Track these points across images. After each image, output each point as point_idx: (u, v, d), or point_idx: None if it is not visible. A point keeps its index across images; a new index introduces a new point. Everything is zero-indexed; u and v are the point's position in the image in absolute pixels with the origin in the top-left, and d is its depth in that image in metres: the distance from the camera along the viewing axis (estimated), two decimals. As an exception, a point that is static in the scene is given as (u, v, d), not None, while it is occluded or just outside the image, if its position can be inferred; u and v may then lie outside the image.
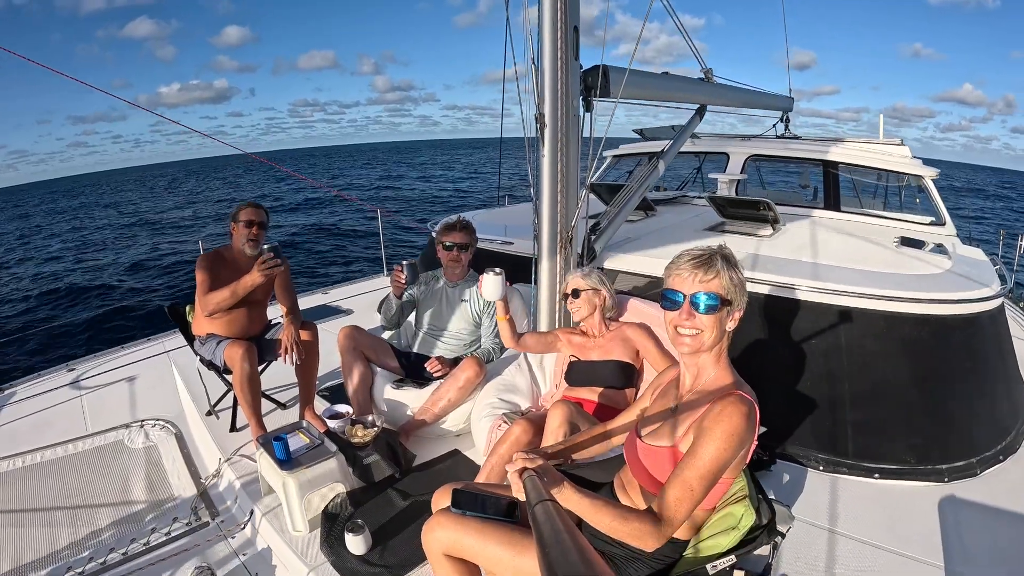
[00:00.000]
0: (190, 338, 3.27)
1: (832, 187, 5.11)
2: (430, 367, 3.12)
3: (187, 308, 3.33)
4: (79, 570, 2.32)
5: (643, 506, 1.57)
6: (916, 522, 2.40)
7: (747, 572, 2.05)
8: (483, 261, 3.45)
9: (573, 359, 2.82)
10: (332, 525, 2.41)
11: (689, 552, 1.62)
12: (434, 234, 4.92)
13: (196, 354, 3.21)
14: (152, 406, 3.59)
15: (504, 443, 2.41)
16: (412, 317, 3.49)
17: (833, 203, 5.00)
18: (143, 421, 3.42)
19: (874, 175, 5.30)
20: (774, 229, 4.03)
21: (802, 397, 2.88)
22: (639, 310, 2.96)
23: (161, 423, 3.41)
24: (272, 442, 2.48)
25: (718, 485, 1.46)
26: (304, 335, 3.05)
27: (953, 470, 2.68)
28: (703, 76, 4.62)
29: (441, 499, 1.86)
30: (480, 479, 2.40)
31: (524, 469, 1.31)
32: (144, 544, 2.48)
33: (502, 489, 1.78)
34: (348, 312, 5.15)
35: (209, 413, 3.30)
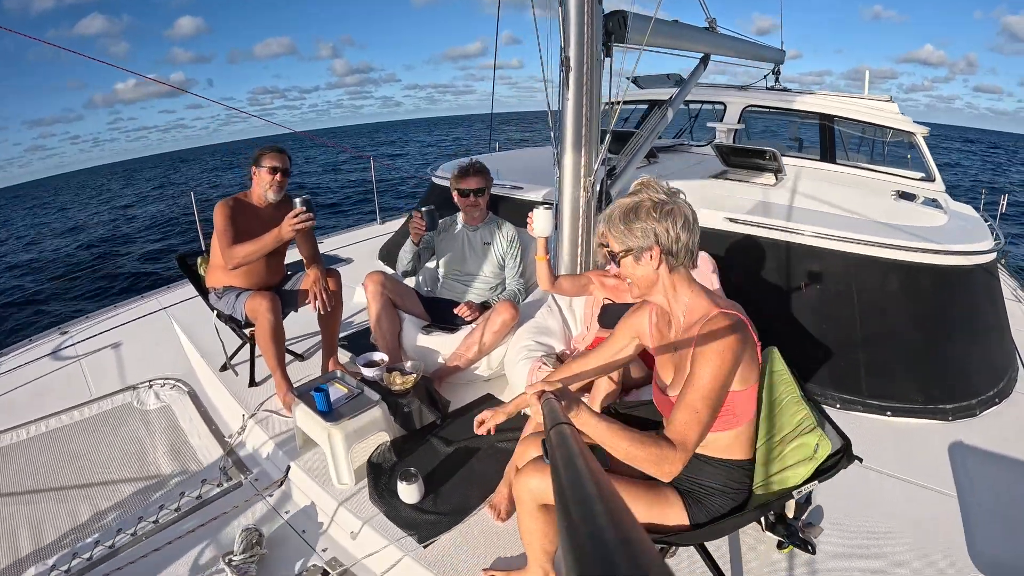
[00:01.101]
0: (203, 291, 3.06)
1: (829, 139, 5.24)
2: (460, 312, 2.99)
3: (198, 260, 3.12)
4: (108, 543, 2.15)
5: None
6: (928, 456, 2.52)
7: (796, 502, 2.10)
8: (495, 209, 3.32)
9: (607, 302, 2.73)
10: (379, 475, 2.29)
11: (764, 485, 1.62)
12: (435, 178, 4.76)
13: (212, 308, 3.00)
14: (158, 365, 3.38)
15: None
16: (431, 263, 3.34)
17: (829, 155, 5.15)
18: (151, 381, 3.23)
19: (868, 130, 5.37)
20: (777, 179, 4.09)
21: (819, 339, 2.98)
22: None
23: (172, 382, 3.22)
24: (312, 393, 2.33)
25: (740, 399, 1.49)
26: (329, 283, 2.88)
27: (957, 410, 2.81)
28: (707, 26, 4.53)
29: (526, 449, 1.83)
30: (529, 429, 2.30)
31: (543, 392, 1.33)
32: (175, 510, 2.32)
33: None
34: (348, 260, 4.96)
35: (224, 368, 3.13)
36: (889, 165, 5.13)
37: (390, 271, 3.45)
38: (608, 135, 2.98)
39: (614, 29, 2.92)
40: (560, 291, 2.75)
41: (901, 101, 5.47)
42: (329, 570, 2.00)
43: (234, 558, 1.94)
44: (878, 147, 5.48)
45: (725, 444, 1.56)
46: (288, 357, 3.23)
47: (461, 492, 2.23)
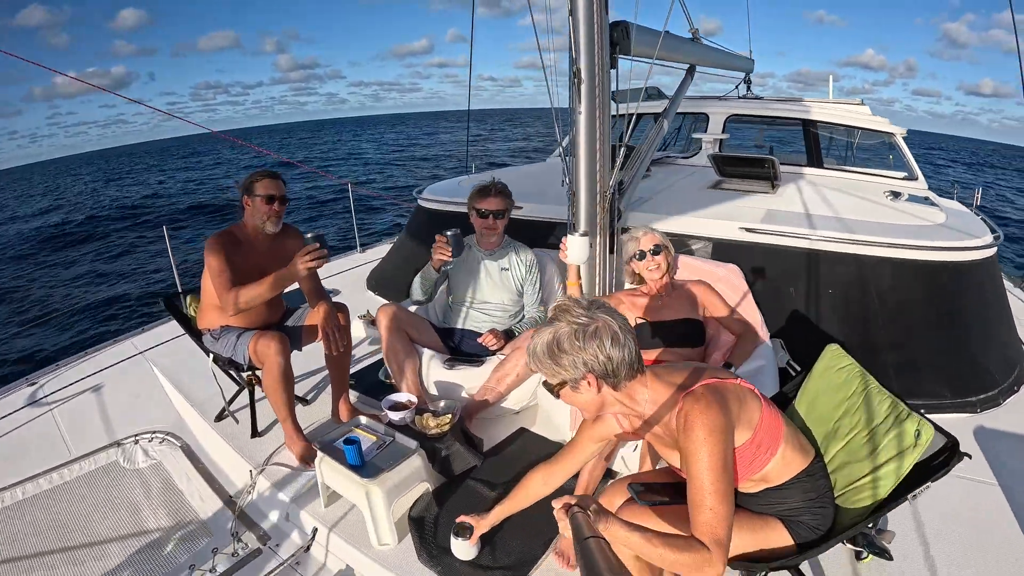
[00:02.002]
0: (194, 332, 2.76)
1: (814, 145, 5.31)
2: (485, 341, 2.79)
3: (187, 300, 2.82)
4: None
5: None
6: (965, 448, 2.50)
7: None
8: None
9: (641, 321, 2.60)
10: (422, 530, 2.05)
11: (857, 488, 1.61)
12: (420, 201, 4.55)
13: (208, 352, 2.69)
14: (142, 417, 3.04)
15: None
16: (442, 291, 3.12)
17: (816, 160, 5.22)
18: (137, 435, 2.88)
19: (849, 133, 5.47)
20: (774, 187, 4.11)
21: (845, 344, 2.92)
22: (691, 265, 3.00)
23: (160, 435, 2.88)
24: (341, 446, 2.08)
25: (759, 437, 1.47)
26: (340, 319, 2.63)
27: (983, 401, 2.89)
28: (692, 36, 4.50)
29: (613, 497, 1.73)
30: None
31: (570, 506, 1.31)
32: (188, 586, 2.03)
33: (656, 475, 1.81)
34: (335, 292, 4.68)
35: (220, 418, 2.83)
36: (872, 167, 5.24)
37: (381, 300, 3.22)
38: (623, 149, 2.85)
39: (619, 40, 2.83)
40: None
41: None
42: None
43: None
44: (864, 149, 5.59)
45: (778, 470, 1.52)
46: (313, 414, 2.96)
47: (520, 541, 2.02)
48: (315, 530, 2.18)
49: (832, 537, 1.53)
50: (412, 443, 2.17)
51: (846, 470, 1.64)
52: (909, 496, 1.53)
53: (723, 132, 5.59)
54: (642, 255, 2.61)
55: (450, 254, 2.69)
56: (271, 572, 2.05)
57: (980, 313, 3.12)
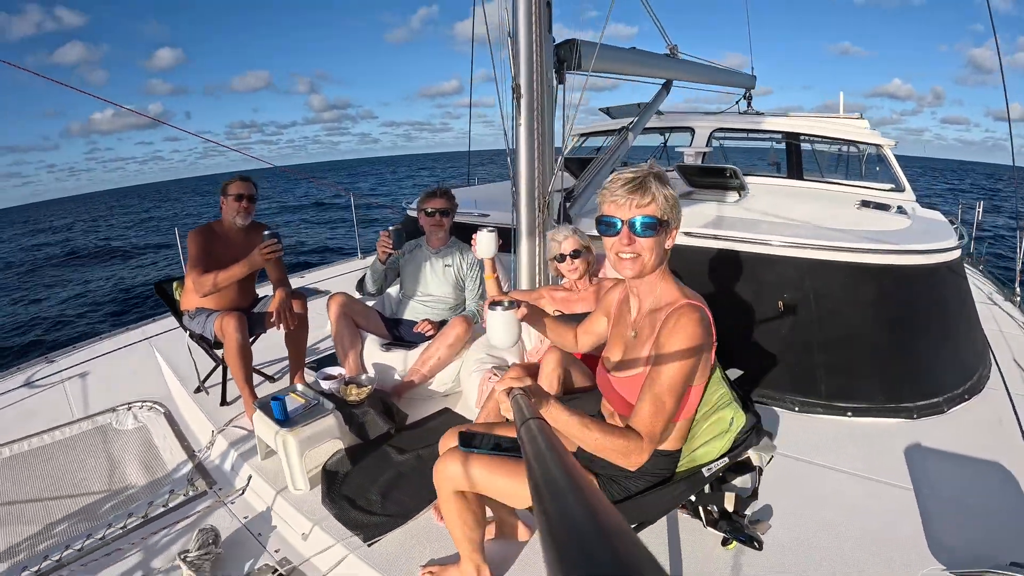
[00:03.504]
0: (178, 313, 3.25)
1: (795, 157, 5.36)
2: (420, 328, 3.16)
3: (174, 284, 3.31)
4: (78, 547, 2.29)
5: None
6: (888, 454, 2.58)
7: (737, 496, 2.16)
8: (462, 234, 3.48)
9: (558, 313, 2.88)
10: (332, 481, 2.44)
11: (685, 460, 1.70)
12: (410, 210, 4.97)
13: (185, 329, 3.18)
14: (138, 390, 3.55)
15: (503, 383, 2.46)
16: (395, 285, 3.51)
17: (796, 172, 5.28)
18: (130, 404, 3.39)
19: (835, 145, 5.51)
20: (740, 195, 4.19)
21: (775, 345, 3.06)
22: None
23: (149, 404, 3.38)
24: (270, 403, 2.49)
25: (691, 394, 1.54)
26: (295, 305, 3.05)
27: (921, 407, 2.87)
28: (668, 52, 4.74)
29: (448, 442, 1.92)
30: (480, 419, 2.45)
31: (511, 388, 1.28)
32: (142, 517, 2.46)
33: (502, 428, 1.85)
34: (327, 292, 5.16)
35: (198, 390, 3.29)
36: (858, 179, 5.26)
37: (357, 295, 3.63)
38: (561, 157, 3.14)
39: (566, 57, 3.09)
40: None
41: None
42: (279, 568, 2.13)
43: (189, 555, 2.08)
44: (848, 162, 5.61)
45: (666, 435, 1.58)
46: (260, 378, 3.40)
47: (409, 496, 2.36)
48: (250, 477, 2.59)
49: (638, 503, 1.64)
50: (330, 406, 2.57)
51: None
52: (704, 470, 1.64)
53: (707, 145, 5.70)
54: (562, 257, 2.80)
55: (391, 246, 3.06)
56: (208, 507, 2.49)
57: (928, 318, 3.08)
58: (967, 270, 4.17)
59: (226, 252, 2.95)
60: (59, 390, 3.61)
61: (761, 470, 2.28)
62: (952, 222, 4.10)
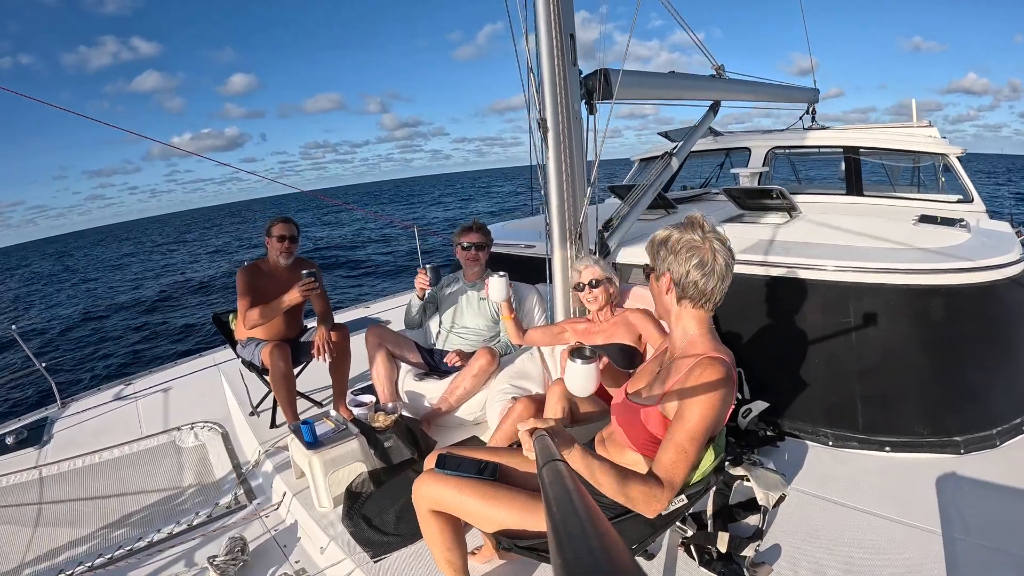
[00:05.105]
0: (233, 343, 3.56)
1: (854, 172, 5.08)
2: (448, 360, 3.31)
3: (230, 316, 3.63)
4: (128, 548, 2.58)
5: (618, 459, 1.69)
6: (925, 493, 2.39)
7: (732, 536, 2.14)
8: (506, 264, 3.57)
9: (578, 345, 2.94)
10: (354, 501, 2.60)
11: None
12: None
13: (238, 356, 3.49)
14: (202, 410, 3.89)
15: (508, 419, 2.57)
16: (435, 317, 3.69)
17: (855, 188, 4.98)
18: (193, 424, 3.72)
19: (897, 158, 5.24)
20: (790, 216, 4.05)
21: (809, 374, 2.93)
22: (642, 296, 3.06)
23: (209, 425, 3.70)
24: (301, 427, 2.70)
25: None
26: (335, 336, 3.28)
27: (970, 441, 2.64)
28: (714, 73, 4.71)
29: (431, 463, 1.99)
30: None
31: (535, 429, 1.30)
32: (187, 524, 2.73)
33: (486, 453, 1.94)
34: (387, 322, 5.42)
35: (252, 413, 3.57)
36: (927, 191, 5.00)
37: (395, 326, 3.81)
38: (590, 190, 3.18)
39: (594, 87, 3.10)
40: (531, 342, 3.02)
41: (948, 132, 5.31)
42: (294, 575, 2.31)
43: (216, 559, 2.29)
44: (917, 173, 5.34)
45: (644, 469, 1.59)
46: (308, 404, 3.65)
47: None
48: (284, 494, 2.80)
49: None
50: (355, 431, 2.76)
51: None
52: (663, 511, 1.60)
53: (764, 165, 5.52)
54: (581, 287, 2.84)
55: (428, 283, 3.25)
56: (245, 519, 2.72)
57: (981, 342, 2.84)
58: None
59: (271, 288, 3.22)
60: (131, 411, 4.00)
61: (766, 510, 2.27)
62: (1020, 232, 3.82)
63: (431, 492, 1.77)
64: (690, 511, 2.27)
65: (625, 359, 2.77)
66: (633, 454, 1.68)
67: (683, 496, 1.64)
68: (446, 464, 1.81)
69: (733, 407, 1.60)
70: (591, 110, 3.17)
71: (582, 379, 1.68)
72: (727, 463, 2.45)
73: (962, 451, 2.63)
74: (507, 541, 1.69)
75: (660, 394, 1.60)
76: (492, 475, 1.80)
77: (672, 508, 1.61)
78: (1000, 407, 2.77)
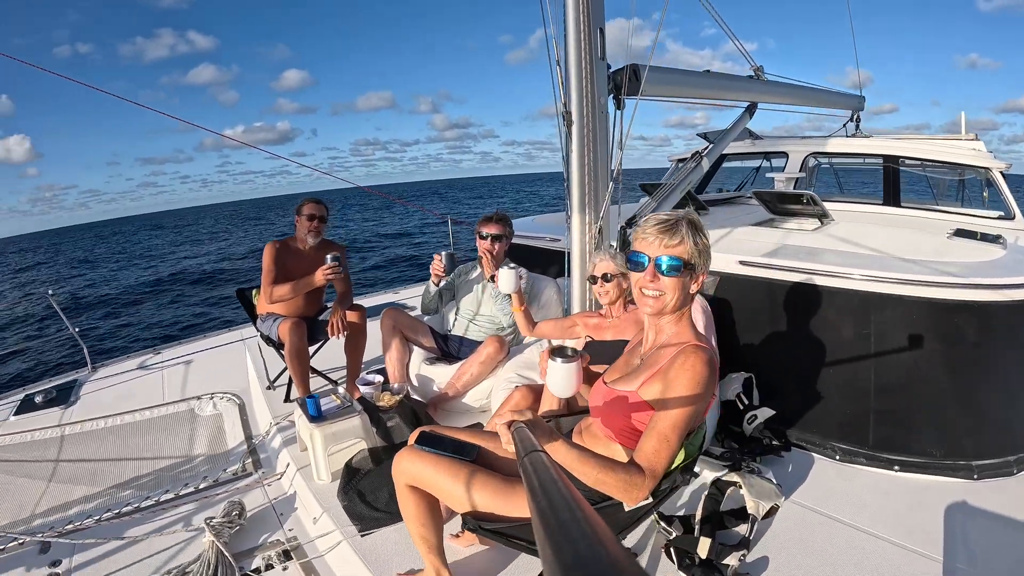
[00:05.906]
0: (255, 317, 3.66)
1: (892, 182, 4.92)
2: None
3: (253, 292, 3.73)
4: (136, 505, 2.68)
5: (596, 448, 1.66)
6: (930, 517, 2.30)
7: (714, 542, 2.09)
8: (530, 256, 3.58)
9: (588, 339, 2.93)
10: (351, 476, 2.64)
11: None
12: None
13: (257, 330, 3.59)
14: (224, 382, 4.01)
15: (505, 406, 2.57)
16: (453, 304, 3.73)
17: (893, 198, 4.84)
18: (213, 394, 3.84)
19: (940, 169, 5.04)
20: (822, 223, 3.93)
21: (822, 384, 2.84)
22: None
23: (228, 396, 3.81)
24: (306, 400, 2.76)
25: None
26: (351, 316, 3.34)
27: (985, 467, 2.54)
28: (752, 74, 4.61)
29: (413, 439, 2.02)
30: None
31: (512, 421, 1.30)
32: (194, 487, 2.82)
33: (469, 436, 1.94)
34: (412, 308, 5.50)
35: (269, 387, 3.66)
36: (968, 205, 4.82)
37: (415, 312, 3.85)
38: (612, 184, 3.16)
39: (622, 83, 3.06)
40: (541, 335, 3.02)
41: (1004, 153, 5.10)
42: (286, 544, 2.36)
43: (213, 520, 2.35)
44: (958, 186, 5.15)
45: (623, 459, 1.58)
46: (323, 382, 3.72)
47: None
48: (288, 465, 2.86)
49: None
50: (359, 408, 2.80)
51: None
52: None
53: (801, 171, 5.42)
54: (594, 279, 2.80)
55: (443, 270, 3.28)
56: (247, 485, 2.79)
57: (1008, 362, 2.72)
58: None
59: (296, 266, 3.30)
60: (156, 377, 4.15)
61: (755, 520, 2.21)
62: None
63: (408, 467, 1.78)
64: (680, 514, 2.26)
65: None
66: (611, 444, 1.67)
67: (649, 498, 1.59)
68: (426, 441, 1.83)
69: (716, 397, 1.58)
70: (619, 105, 3.14)
71: (562, 379, 1.64)
72: (725, 469, 2.42)
73: (975, 476, 2.53)
74: (472, 522, 1.67)
75: (643, 380, 1.58)
76: (470, 456, 1.81)
77: (638, 504, 1.57)
78: (1021, 434, 2.66)
